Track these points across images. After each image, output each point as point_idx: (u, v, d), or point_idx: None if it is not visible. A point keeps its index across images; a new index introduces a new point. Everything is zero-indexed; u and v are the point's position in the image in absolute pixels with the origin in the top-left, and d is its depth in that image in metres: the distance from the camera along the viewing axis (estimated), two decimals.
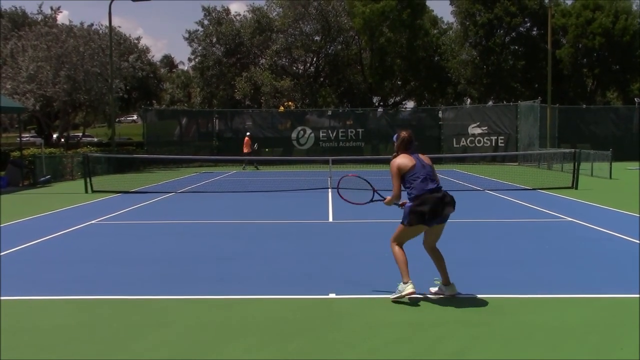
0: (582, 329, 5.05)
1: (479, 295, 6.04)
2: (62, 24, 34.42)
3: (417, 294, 5.79)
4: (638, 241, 8.78)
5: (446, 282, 5.98)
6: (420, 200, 5.80)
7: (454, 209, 5.87)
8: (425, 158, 6.04)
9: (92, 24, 34.26)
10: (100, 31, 34.25)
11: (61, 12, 44.91)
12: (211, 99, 42.87)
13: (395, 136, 6.12)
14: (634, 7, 41.65)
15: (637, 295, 5.94)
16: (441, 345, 4.68)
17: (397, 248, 5.98)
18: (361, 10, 37.78)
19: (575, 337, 4.84)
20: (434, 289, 6.06)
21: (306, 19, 41.17)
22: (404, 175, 5.90)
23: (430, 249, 6.07)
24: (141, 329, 5.16)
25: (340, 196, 7.14)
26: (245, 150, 29.07)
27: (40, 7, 47.93)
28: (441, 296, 5.98)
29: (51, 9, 38.46)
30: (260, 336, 4.93)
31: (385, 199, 6.25)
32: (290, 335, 4.95)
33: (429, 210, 5.74)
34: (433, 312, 5.54)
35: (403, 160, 5.92)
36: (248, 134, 30.74)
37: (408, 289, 5.72)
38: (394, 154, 6.08)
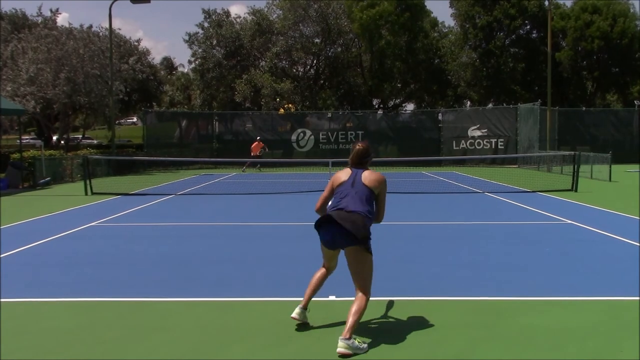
0: (582, 331, 5.05)
1: (479, 298, 6.05)
2: (62, 26, 34.46)
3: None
4: (638, 244, 8.78)
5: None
6: (321, 218, 5.09)
7: (351, 237, 4.84)
8: (368, 178, 5.10)
9: (90, 26, 34.30)
10: (100, 33, 34.30)
11: (60, 13, 44.93)
12: (211, 101, 42.95)
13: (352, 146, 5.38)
14: (631, 10, 41.74)
15: (637, 298, 5.94)
16: (442, 348, 4.68)
17: (319, 270, 5.45)
18: (358, 16, 37.86)
19: (575, 340, 4.84)
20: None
21: (306, 21, 41.26)
22: (334, 189, 5.23)
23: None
24: (141, 332, 5.16)
25: None
26: (253, 153, 29.13)
27: (39, 9, 48.02)
28: (438, 298, 6.00)
29: (50, 10, 38.55)
30: (260, 338, 4.93)
31: None
32: (290, 337, 4.95)
33: (321, 227, 5.04)
34: (433, 314, 5.53)
35: (341, 173, 5.23)
36: (259, 137, 30.79)
37: (296, 312, 5.19)
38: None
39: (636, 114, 34.82)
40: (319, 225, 5.03)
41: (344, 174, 5.21)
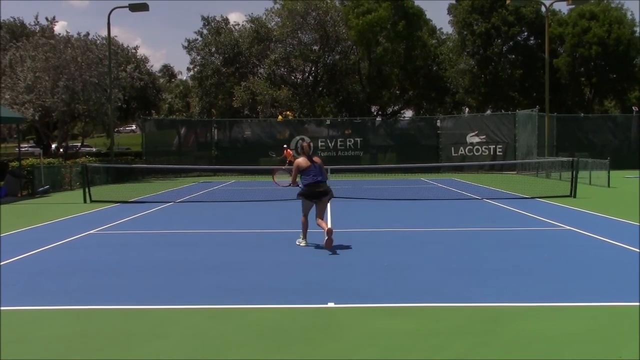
0: (580, 337, 5.05)
1: (477, 304, 6.05)
2: (59, 34, 34.51)
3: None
4: (637, 249, 8.79)
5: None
6: (312, 192, 9.37)
7: (328, 194, 9.41)
8: (319, 162, 9.56)
9: (87, 33, 34.34)
10: (98, 42, 34.35)
11: (57, 22, 45.00)
12: (210, 109, 42.97)
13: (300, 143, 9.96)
14: (629, 16, 41.88)
15: (636, 304, 5.94)
16: (440, 354, 4.68)
17: (303, 218, 9.56)
18: (355, 23, 37.96)
19: (573, 346, 4.84)
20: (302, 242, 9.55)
21: (304, 28, 41.32)
22: (301, 171, 9.48)
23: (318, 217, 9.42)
24: (139, 339, 5.15)
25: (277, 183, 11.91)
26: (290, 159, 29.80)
27: (36, 17, 48.13)
28: (436, 305, 6.01)
29: (46, 19, 38.66)
30: (259, 345, 4.93)
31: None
32: (289, 344, 4.94)
33: (313, 195, 9.37)
34: (432, 321, 5.54)
35: (302, 161, 9.48)
36: (285, 145, 31.33)
37: (303, 242, 9.53)
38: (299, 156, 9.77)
39: (634, 120, 34.89)
40: (310, 196, 9.39)
41: (304, 162, 9.45)
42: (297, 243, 9.52)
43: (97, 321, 5.70)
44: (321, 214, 9.41)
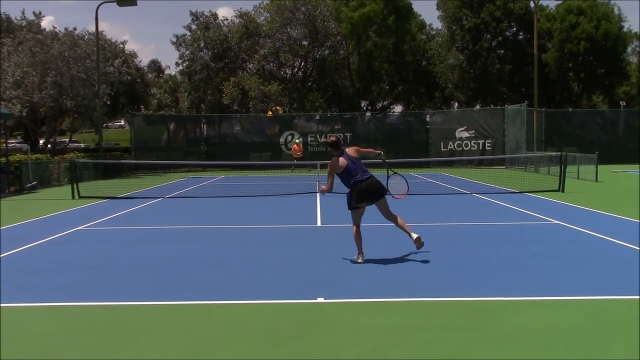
0: (570, 331, 5.07)
1: (467, 299, 6.06)
2: (44, 29, 34.25)
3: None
4: (625, 243, 8.85)
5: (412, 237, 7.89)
6: (362, 195, 7.72)
7: (382, 190, 7.89)
8: (353, 154, 7.82)
9: (74, 28, 34.10)
10: (86, 37, 34.10)
11: (44, 16, 44.66)
12: (199, 104, 42.85)
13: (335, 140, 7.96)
14: (616, 11, 42.16)
15: (624, 297, 5.99)
16: (431, 349, 4.68)
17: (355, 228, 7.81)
18: (349, 16, 37.94)
19: (564, 339, 4.87)
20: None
21: (294, 23, 41.30)
22: (341, 172, 7.79)
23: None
24: (129, 337, 5.12)
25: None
26: (296, 156, 30.44)
27: (23, 12, 47.71)
28: (426, 299, 6.03)
29: (33, 13, 38.43)
30: (249, 342, 4.91)
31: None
32: (279, 340, 4.93)
33: (363, 199, 7.76)
34: (422, 316, 5.55)
35: (338, 162, 7.72)
36: (298, 140, 31.57)
37: (360, 259, 7.73)
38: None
39: (622, 115, 35.14)
40: (361, 201, 7.68)
41: (341, 162, 7.65)
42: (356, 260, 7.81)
43: (86, 318, 5.66)
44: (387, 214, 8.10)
